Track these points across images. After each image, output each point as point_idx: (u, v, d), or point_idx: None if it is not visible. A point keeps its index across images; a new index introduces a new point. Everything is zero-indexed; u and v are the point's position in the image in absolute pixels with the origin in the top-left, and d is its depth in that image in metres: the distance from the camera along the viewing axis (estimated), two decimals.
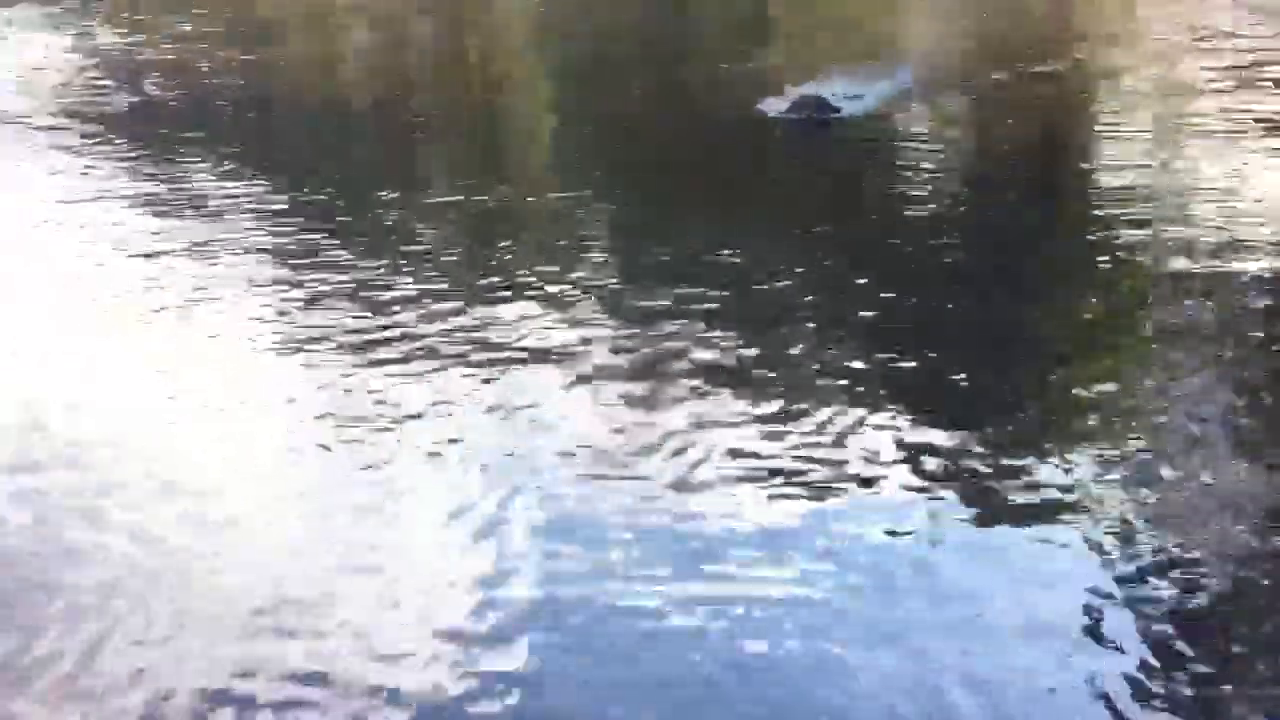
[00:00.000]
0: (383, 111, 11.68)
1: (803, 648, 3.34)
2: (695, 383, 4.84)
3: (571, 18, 18.33)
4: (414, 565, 3.77)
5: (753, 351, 5.04)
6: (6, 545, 4.06)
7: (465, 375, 5.06)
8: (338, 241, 6.97)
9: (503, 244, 6.80)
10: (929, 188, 7.85)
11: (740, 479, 4.12)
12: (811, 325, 5.36)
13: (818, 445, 4.25)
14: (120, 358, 5.66)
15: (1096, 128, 9.60)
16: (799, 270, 6.01)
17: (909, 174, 8.30)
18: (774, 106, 10.16)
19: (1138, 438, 4.31)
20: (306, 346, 5.48)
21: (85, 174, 8.96)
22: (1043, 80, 11.46)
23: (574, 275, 6.10)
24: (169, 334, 5.83)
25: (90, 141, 10.00)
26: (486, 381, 4.98)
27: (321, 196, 8.04)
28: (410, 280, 6.16)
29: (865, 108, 10.12)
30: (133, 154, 9.51)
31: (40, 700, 3.32)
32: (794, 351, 5.06)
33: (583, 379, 4.89)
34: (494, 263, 6.43)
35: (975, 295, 5.64)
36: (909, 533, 3.81)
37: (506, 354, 5.20)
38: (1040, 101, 10.77)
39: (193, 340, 5.65)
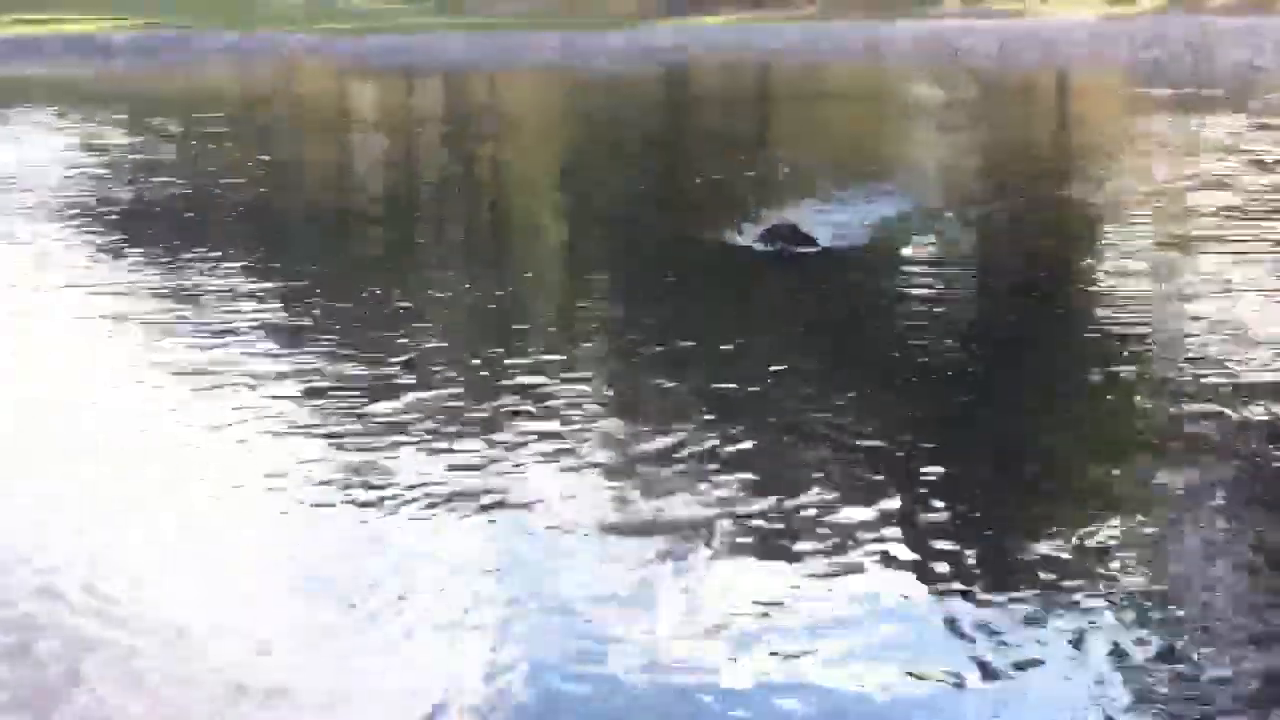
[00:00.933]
0: (380, 220, 11.78)
1: None
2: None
3: (571, 125, 18.58)
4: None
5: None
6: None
7: (453, 515, 4.88)
8: (325, 350, 6.94)
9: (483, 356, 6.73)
10: (899, 342, 6.93)
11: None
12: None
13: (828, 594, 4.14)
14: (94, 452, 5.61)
15: (1102, 269, 8.59)
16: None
17: (878, 324, 7.33)
18: (743, 235, 9.12)
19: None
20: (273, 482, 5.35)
21: (85, 268, 9.06)
22: (1048, 209, 10.77)
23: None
24: (141, 433, 5.81)
25: (90, 236, 10.12)
26: (473, 521, 4.85)
27: (312, 307, 8.01)
28: (395, 401, 6.10)
29: (848, 239, 9.08)
30: (129, 250, 9.61)
31: None
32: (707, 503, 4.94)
33: (577, 528, 4.74)
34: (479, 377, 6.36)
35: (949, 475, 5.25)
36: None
37: (493, 491, 5.06)
38: (1045, 235, 9.89)
39: (162, 456, 5.61)
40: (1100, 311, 7.44)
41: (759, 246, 8.67)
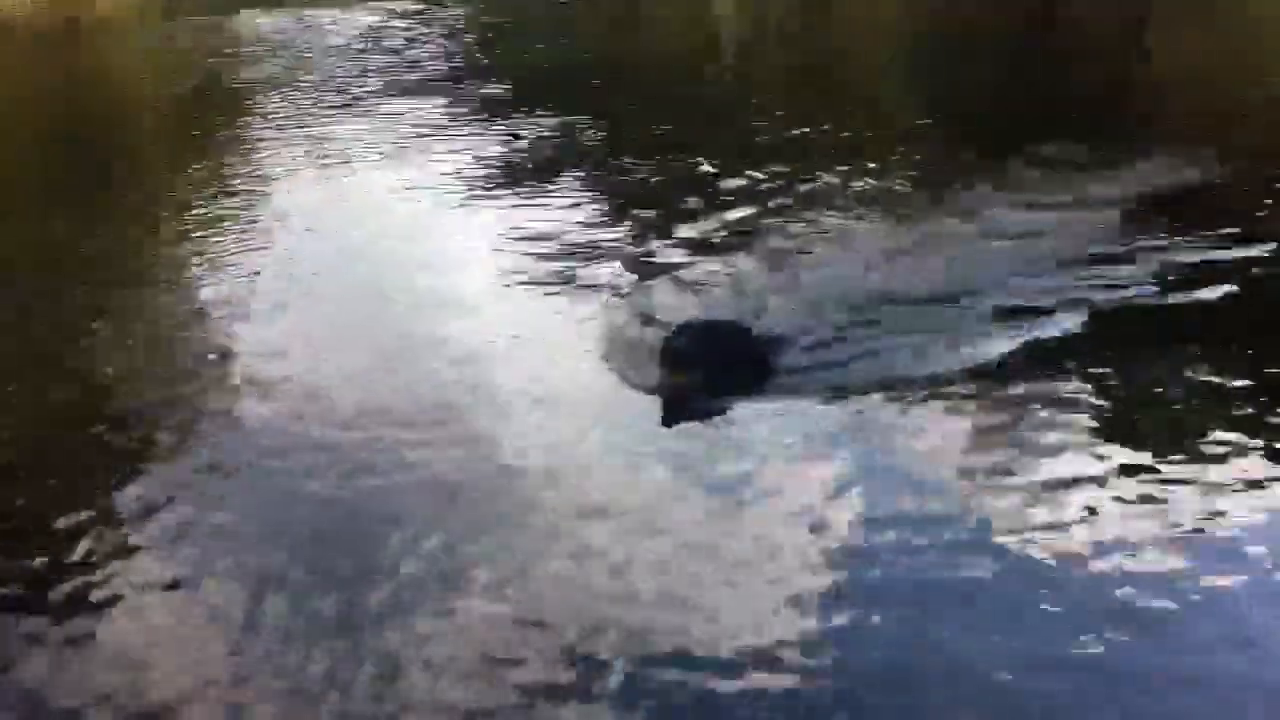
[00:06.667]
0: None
1: None
2: None
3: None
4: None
5: None
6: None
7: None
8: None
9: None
10: None
11: None
12: None
13: None
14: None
15: None
16: None
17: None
18: (629, 326, 5.26)
19: None
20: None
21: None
22: None
23: None
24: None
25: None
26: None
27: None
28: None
29: (882, 360, 4.87)
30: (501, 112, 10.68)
31: None
32: None
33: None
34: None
35: None
36: None
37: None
38: None
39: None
40: None
41: (633, 382, 4.76)
